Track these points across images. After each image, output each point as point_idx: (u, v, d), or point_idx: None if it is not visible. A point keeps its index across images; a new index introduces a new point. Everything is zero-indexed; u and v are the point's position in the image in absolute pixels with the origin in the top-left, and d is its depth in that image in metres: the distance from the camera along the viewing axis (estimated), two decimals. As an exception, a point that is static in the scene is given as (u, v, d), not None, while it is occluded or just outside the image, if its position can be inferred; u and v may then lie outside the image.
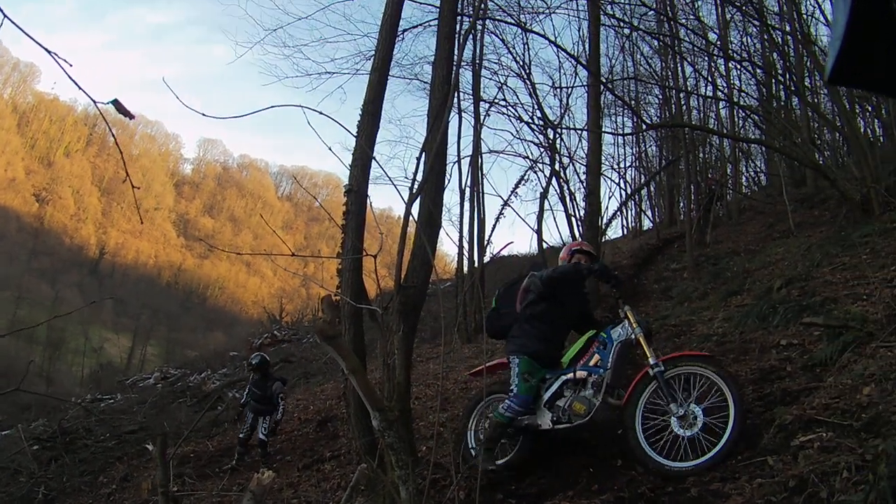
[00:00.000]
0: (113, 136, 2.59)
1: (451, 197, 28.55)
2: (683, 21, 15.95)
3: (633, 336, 5.45)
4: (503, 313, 6.19)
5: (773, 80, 15.95)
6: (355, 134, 7.08)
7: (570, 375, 5.64)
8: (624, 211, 24.74)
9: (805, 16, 13.81)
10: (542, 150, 17.19)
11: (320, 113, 4.27)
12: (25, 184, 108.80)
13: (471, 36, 13.88)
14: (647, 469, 5.01)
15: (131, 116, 2.45)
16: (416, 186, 6.48)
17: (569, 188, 15.97)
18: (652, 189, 25.13)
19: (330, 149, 4.32)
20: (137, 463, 12.79)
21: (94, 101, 2.46)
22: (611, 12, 14.38)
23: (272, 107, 3.63)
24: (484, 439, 5.79)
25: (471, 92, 16.07)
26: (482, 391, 6.29)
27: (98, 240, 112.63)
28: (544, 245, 17.90)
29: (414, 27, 14.94)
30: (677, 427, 5.02)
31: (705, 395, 5.06)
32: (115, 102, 2.45)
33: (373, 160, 7.11)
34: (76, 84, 2.55)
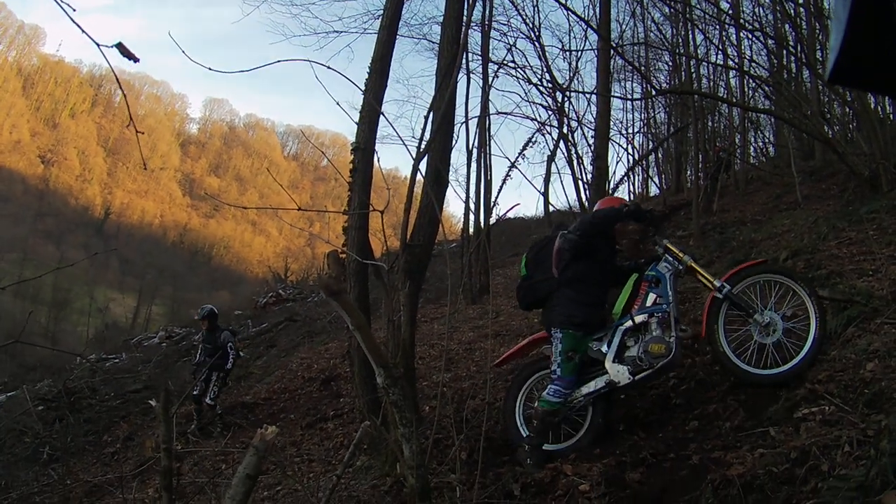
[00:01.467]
0: (118, 80, 2.57)
1: (458, 157, 28.24)
2: (696, -13, 15.71)
3: (680, 267, 5.42)
4: (538, 282, 5.64)
5: (785, 52, 15.74)
6: (363, 91, 7.03)
7: (629, 323, 5.36)
8: (631, 176, 24.58)
9: (818, -12, 13.58)
10: (550, 112, 17.11)
11: (328, 68, 4.25)
12: (30, 146, 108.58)
13: (481, -4, 13.72)
14: (744, 381, 5.13)
15: (136, 59, 2.43)
16: (423, 145, 6.43)
17: (576, 151, 15.93)
18: (660, 155, 25.00)
19: (338, 103, 4.26)
20: (141, 422, 12.92)
21: (98, 45, 2.45)
22: (623, -25, 14.18)
23: (280, 61, 3.62)
24: (534, 434, 5.34)
25: (479, 53, 15.93)
26: (526, 366, 5.96)
27: (103, 200, 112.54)
28: (550, 208, 17.87)
29: (424, -14, 14.73)
30: (760, 336, 5.14)
31: (781, 301, 5.22)
32: (120, 45, 2.43)
33: (381, 116, 7.05)
34: (78, 26, 2.53)
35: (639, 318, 5.32)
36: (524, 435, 5.49)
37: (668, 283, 5.40)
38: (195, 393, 10.99)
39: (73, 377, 17.23)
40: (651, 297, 5.38)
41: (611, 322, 5.48)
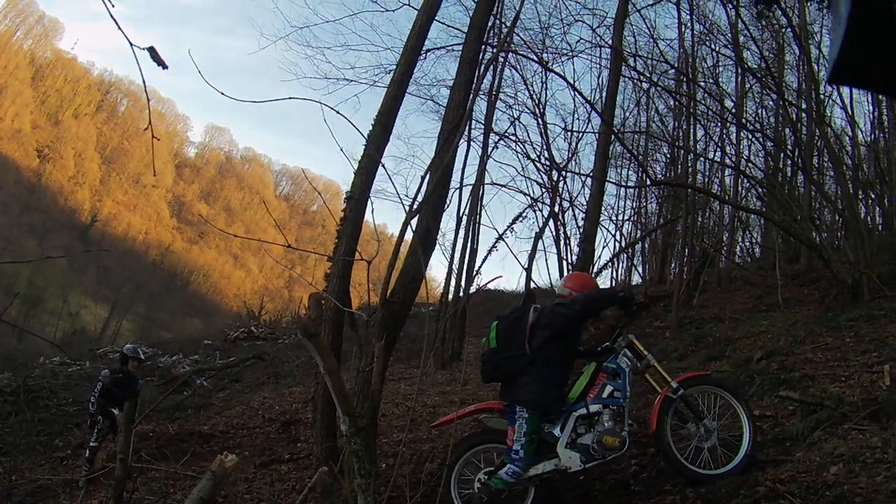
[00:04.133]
0: (143, 80, 2.60)
1: (447, 222, 28.35)
2: (702, 84, 16.14)
3: (639, 364, 5.56)
4: (509, 357, 5.48)
5: (782, 154, 16.12)
6: (365, 140, 7.14)
7: (583, 411, 5.43)
8: (615, 263, 24.73)
9: (822, 96, 13.98)
10: (544, 190, 17.35)
11: (338, 112, 4.33)
12: (30, 137, 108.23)
13: (491, 66, 14.00)
14: (685, 477, 5.26)
15: (165, 66, 2.47)
16: (416, 204, 6.51)
17: (565, 232, 16.12)
18: (646, 245, 25.22)
19: (341, 149, 4.37)
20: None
21: (131, 44, 2.49)
22: (632, 65, 14.53)
23: (292, 98, 3.68)
24: None
25: (483, 121, 16.20)
26: (469, 438, 6.02)
27: (92, 206, 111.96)
28: (532, 285, 17.95)
29: (437, 48, 15.10)
30: (698, 440, 5.36)
31: (721, 412, 5.51)
32: (152, 49, 2.47)
33: (380, 167, 7.17)
34: (116, 23, 2.57)
35: (593, 408, 5.40)
36: None
37: (627, 378, 5.52)
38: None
39: (35, 375, 16.97)
40: (608, 389, 5.50)
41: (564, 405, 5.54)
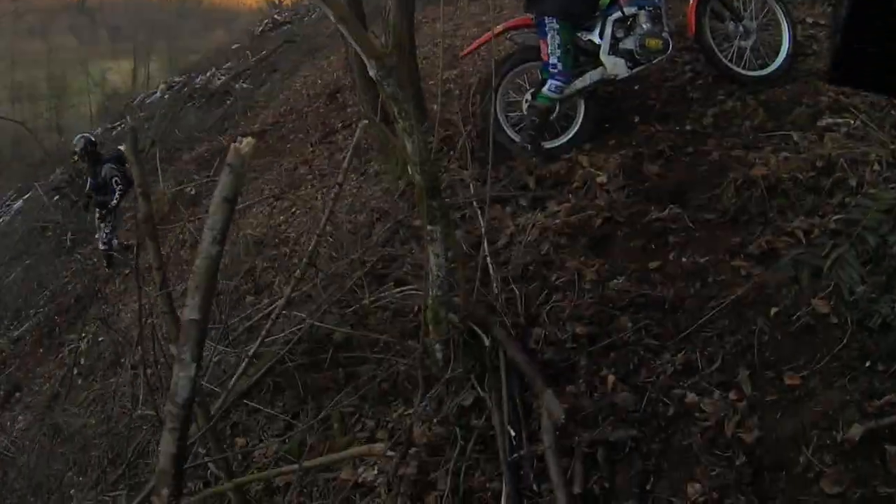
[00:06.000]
0: None
1: None
2: None
3: None
4: None
5: None
6: None
7: (618, 14, 5.13)
8: None
9: None
10: None
11: None
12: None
13: None
14: (730, 78, 5.26)
15: None
16: None
17: None
18: None
19: None
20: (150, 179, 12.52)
21: None
22: None
23: None
24: (532, 131, 5.16)
25: None
26: (507, 59, 5.58)
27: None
28: None
29: None
30: (739, 40, 5.28)
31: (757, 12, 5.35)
32: None
33: None
34: None
35: (629, 10, 5.12)
36: (513, 137, 5.35)
37: None
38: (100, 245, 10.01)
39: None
40: None
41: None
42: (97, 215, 9.90)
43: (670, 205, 4.04)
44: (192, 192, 10.55)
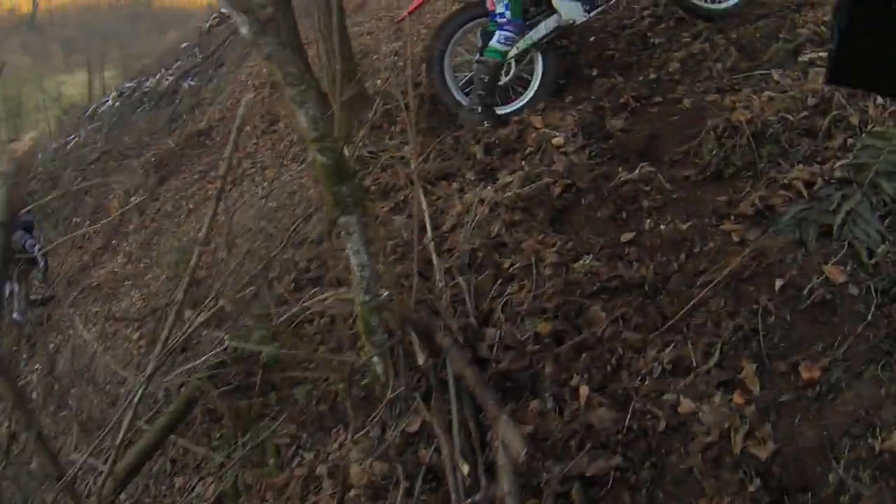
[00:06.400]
0: None
1: None
2: None
3: None
4: None
5: None
6: None
7: None
8: None
9: None
10: None
11: None
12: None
13: None
14: (697, 16, 4.75)
15: None
16: None
17: None
18: None
19: None
20: (104, 191, 12.23)
21: None
22: None
23: None
24: (483, 92, 4.58)
25: None
26: (451, 17, 5.03)
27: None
28: None
29: None
30: None
31: None
32: None
33: None
34: None
35: None
36: (460, 100, 4.83)
37: None
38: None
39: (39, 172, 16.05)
40: None
41: None
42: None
43: (641, 163, 3.40)
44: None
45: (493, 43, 4.50)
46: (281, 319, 3.72)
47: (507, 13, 4.48)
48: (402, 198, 4.32)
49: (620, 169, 3.42)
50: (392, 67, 6.53)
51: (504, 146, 4.11)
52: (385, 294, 2.97)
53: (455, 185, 4.06)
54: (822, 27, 4.10)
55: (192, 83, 15.64)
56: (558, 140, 3.77)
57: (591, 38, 5.14)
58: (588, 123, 3.86)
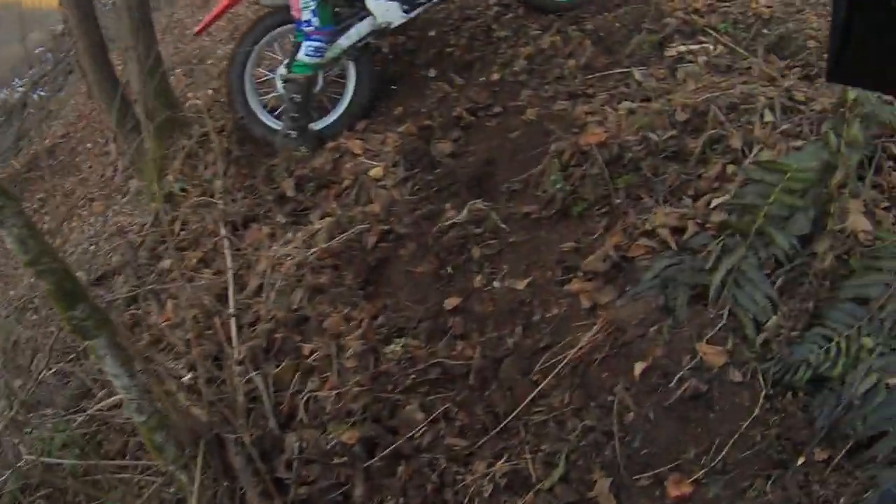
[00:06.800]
0: None
1: None
2: None
3: None
4: None
5: None
6: None
7: None
8: None
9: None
10: None
11: None
12: None
13: None
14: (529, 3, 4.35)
15: None
16: None
17: None
18: None
19: None
20: None
21: None
22: None
23: None
24: (296, 114, 4.01)
25: None
26: (251, 29, 4.38)
27: None
28: None
29: None
30: None
31: None
32: None
33: None
34: None
35: None
36: (272, 126, 4.22)
37: None
38: None
39: None
40: None
41: None
42: None
43: (471, 199, 2.75)
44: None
45: (301, 56, 3.95)
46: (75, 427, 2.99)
47: (315, 20, 3.94)
48: (213, 245, 3.58)
49: (448, 206, 2.78)
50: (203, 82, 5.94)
51: (318, 180, 3.44)
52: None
53: (266, 230, 3.34)
54: (694, 15, 3.70)
55: (43, 94, 14.42)
56: (377, 171, 3.15)
57: (432, 33, 4.57)
58: (411, 150, 3.24)
